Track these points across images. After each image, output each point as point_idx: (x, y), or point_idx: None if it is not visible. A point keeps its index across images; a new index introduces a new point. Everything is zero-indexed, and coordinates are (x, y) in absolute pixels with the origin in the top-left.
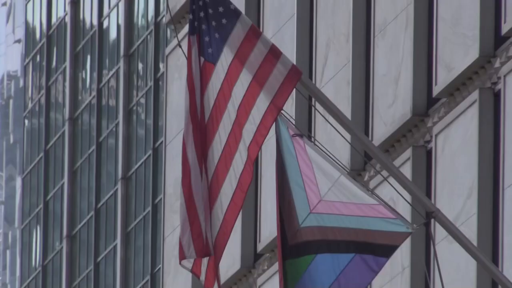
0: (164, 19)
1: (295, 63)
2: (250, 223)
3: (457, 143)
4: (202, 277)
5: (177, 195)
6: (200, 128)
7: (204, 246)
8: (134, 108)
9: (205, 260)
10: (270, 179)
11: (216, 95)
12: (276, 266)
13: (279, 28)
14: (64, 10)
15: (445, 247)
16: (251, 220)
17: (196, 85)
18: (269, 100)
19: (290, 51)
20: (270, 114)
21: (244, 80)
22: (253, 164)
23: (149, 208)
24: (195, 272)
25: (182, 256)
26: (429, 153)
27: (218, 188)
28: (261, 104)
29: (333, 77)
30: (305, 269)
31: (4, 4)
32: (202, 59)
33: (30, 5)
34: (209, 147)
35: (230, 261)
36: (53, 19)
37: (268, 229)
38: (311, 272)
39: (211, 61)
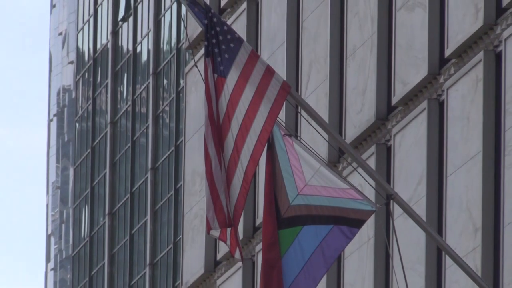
0: (184, 45)
1: (285, 79)
2: (250, 202)
3: (410, 141)
4: (228, 243)
5: (194, 181)
6: (217, 129)
7: (225, 219)
8: (161, 114)
9: (228, 230)
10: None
11: (227, 103)
12: None
13: (273, 52)
14: (107, 39)
15: (401, 222)
16: (251, 200)
17: (212, 96)
18: (270, 105)
19: (281, 70)
20: (273, 113)
21: (249, 91)
22: (265, 146)
23: (172, 192)
24: (222, 239)
25: (209, 228)
26: (389, 149)
27: (232, 174)
28: (265, 107)
29: (315, 90)
30: (295, 237)
31: (60, 33)
32: (216, 75)
33: (80, 34)
34: (224, 142)
35: None
36: (98, 45)
37: None
38: (300, 239)
39: (222, 76)
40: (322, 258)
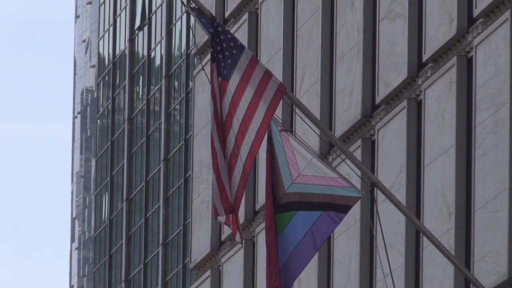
0: (192, 51)
1: (281, 81)
2: (251, 189)
3: (392, 136)
4: (231, 227)
5: (201, 171)
6: (221, 126)
7: (229, 206)
8: (172, 112)
9: (230, 216)
10: (265, 159)
11: (229, 103)
12: None
13: (271, 57)
14: (124, 45)
15: (383, 207)
16: (251, 187)
17: (217, 97)
18: (267, 105)
19: (278, 73)
20: (269, 113)
21: (248, 93)
22: (262, 141)
23: (182, 180)
24: (227, 224)
25: (216, 214)
26: (373, 143)
27: (233, 167)
28: (262, 107)
29: (308, 91)
30: (289, 221)
31: (83, 41)
32: (220, 78)
33: (101, 41)
34: (226, 139)
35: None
36: (117, 51)
37: (263, 193)
38: (294, 223)
39: (225, 79)
40: (312, 240)
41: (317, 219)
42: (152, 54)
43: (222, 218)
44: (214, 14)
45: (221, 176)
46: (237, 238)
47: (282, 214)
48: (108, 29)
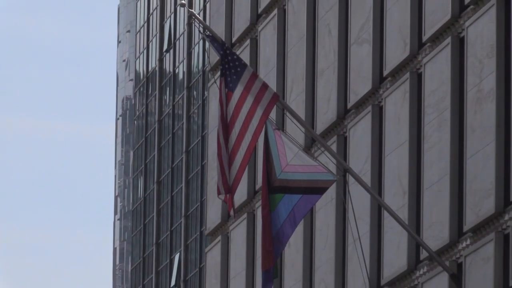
0: (207, 68)
1: (275, 91)
2: (251, 173)
3: (360, 133)
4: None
5: (214, 160)
6: (225, 126)
7: (228, 188)
8: (192, 115)
9: (228, 196)
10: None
11: (234, 109)
12: None
13: (267, 73)
14: (155, 64)
15: (354, 188)
16: (252, 171)
17: (223, 104)
18: (263, 109)
19: (273, 85)
20: (265, 116)
21: (249, 100)
22: (257, 140)
23: (199, 167)
24: (225, 201)
25: (218, 193)
26: (345, 138)
27: (234, 157)
28: (259, 111)
29: (295, 98)
30: (279, 201)
31: (124, 60)
32: (227, 90)
33: (137, 61)
34: (230, 135)
35: (241, 194)
36: (150, 68)
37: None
38: (282, 203)
39: (231, 90)
40: (293, 218)
41: (298, 201)
42: (177, 71)
43: (222, 197)
44: (223, 40)
45: (223, 164)
46: (231, 212)
47: (275, 195)
48: (143, 51)
